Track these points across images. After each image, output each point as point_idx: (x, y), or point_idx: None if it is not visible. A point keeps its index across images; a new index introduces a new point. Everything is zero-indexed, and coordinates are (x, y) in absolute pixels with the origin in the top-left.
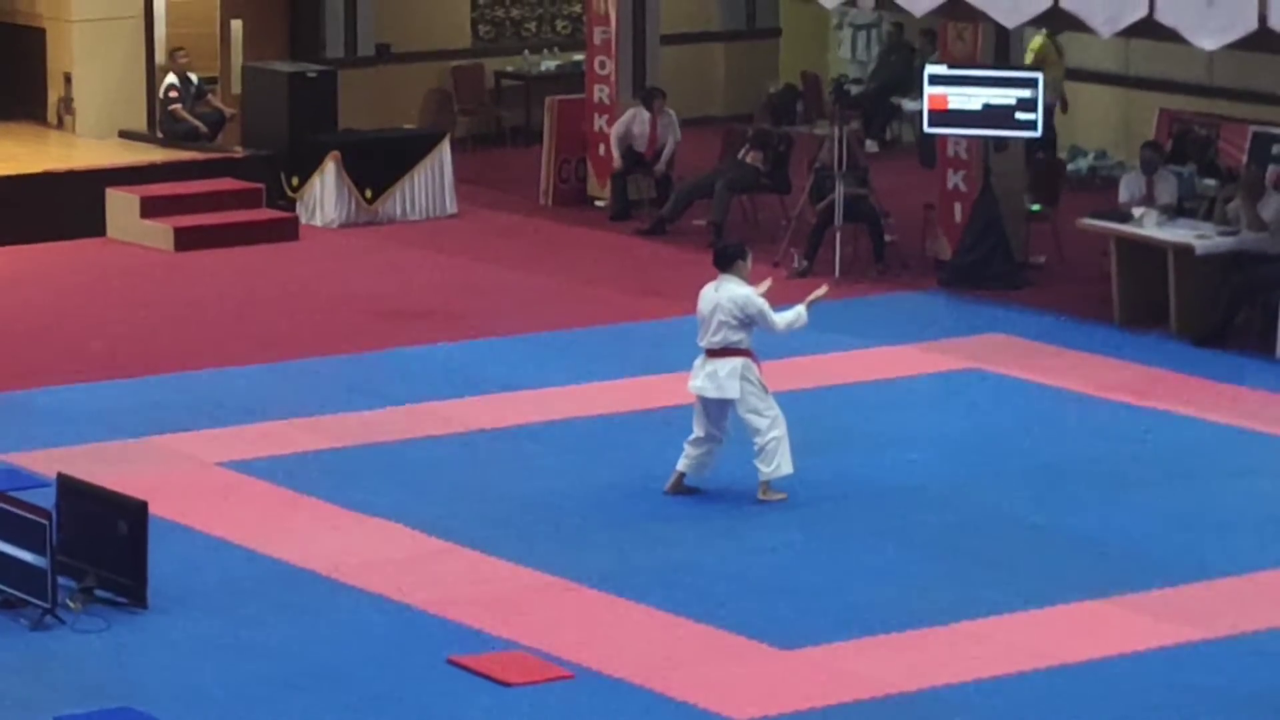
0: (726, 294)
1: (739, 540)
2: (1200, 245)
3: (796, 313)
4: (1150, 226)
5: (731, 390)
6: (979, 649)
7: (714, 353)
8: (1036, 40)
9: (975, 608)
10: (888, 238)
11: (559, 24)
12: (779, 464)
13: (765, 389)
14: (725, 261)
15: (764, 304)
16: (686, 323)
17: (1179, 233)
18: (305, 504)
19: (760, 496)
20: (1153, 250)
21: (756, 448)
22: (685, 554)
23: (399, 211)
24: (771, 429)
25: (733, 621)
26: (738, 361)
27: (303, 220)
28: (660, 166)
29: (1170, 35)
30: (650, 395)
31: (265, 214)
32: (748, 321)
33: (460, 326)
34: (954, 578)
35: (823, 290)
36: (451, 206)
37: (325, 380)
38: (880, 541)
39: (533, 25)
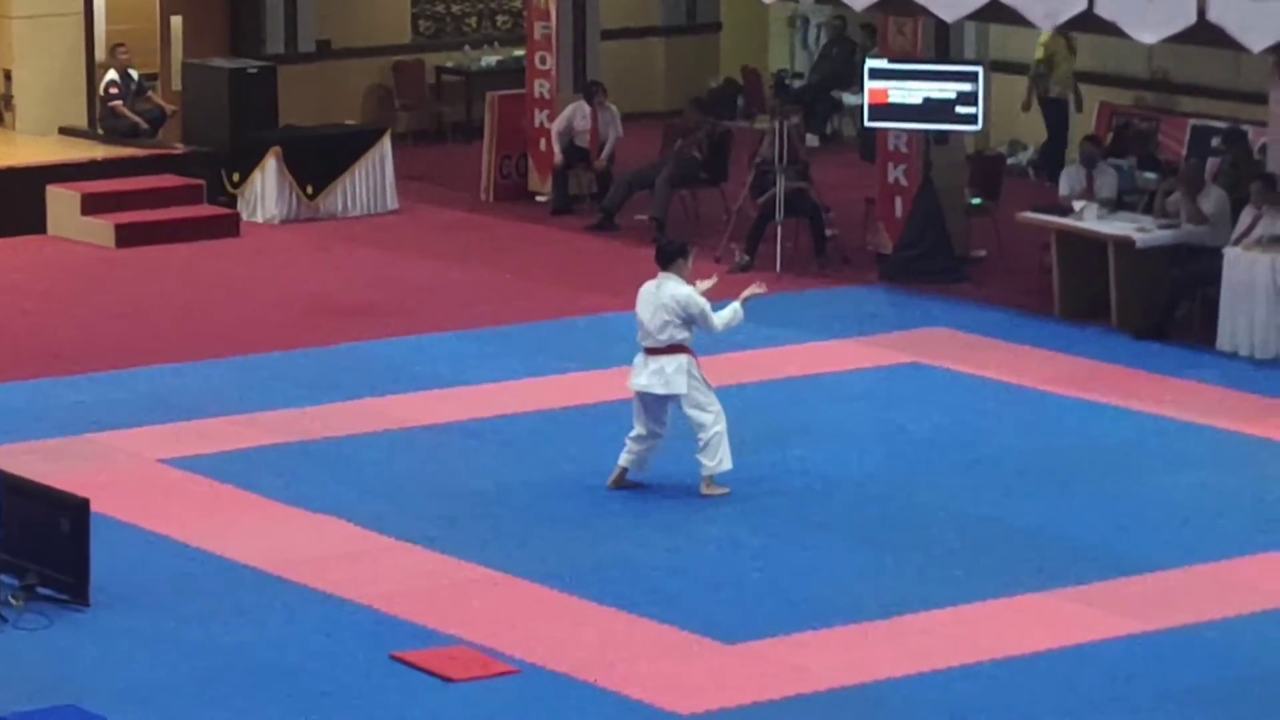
0: (668, 293)
1: (682, 535)
2: (1140, 238)
3: (733, 310)
4: (1090, 220)
5: (679, 386)
6: (922, 642)
7: (657, 351)
8: (1046, 35)
9: (918, 601)
10: (829, 232)
11: (499, 19)
12: (721, 459)
13: (708, 384)
14: (666, 259)
15: (705, 304)
16: (628, 318)
17: (1119, 226)
18: (247, 500)
19: (703, 491)
20: (1093, 244)
21: (700, 443)
22: (629, 549)
23: (340, 207)
24: (715, 424)
25: (677, 616)
26: (683, 358)
27: (244, 216)
28: (601, 161)
29: (1110, 29)
30: (592, 390)
31: (206, 210)
32: (690, 320)
33: (401, 322)
34: (897, 571)
35: (759, 288)
36: (393, 202)
37: (267, 376)
38: (823, 535)
39: (473, 21)
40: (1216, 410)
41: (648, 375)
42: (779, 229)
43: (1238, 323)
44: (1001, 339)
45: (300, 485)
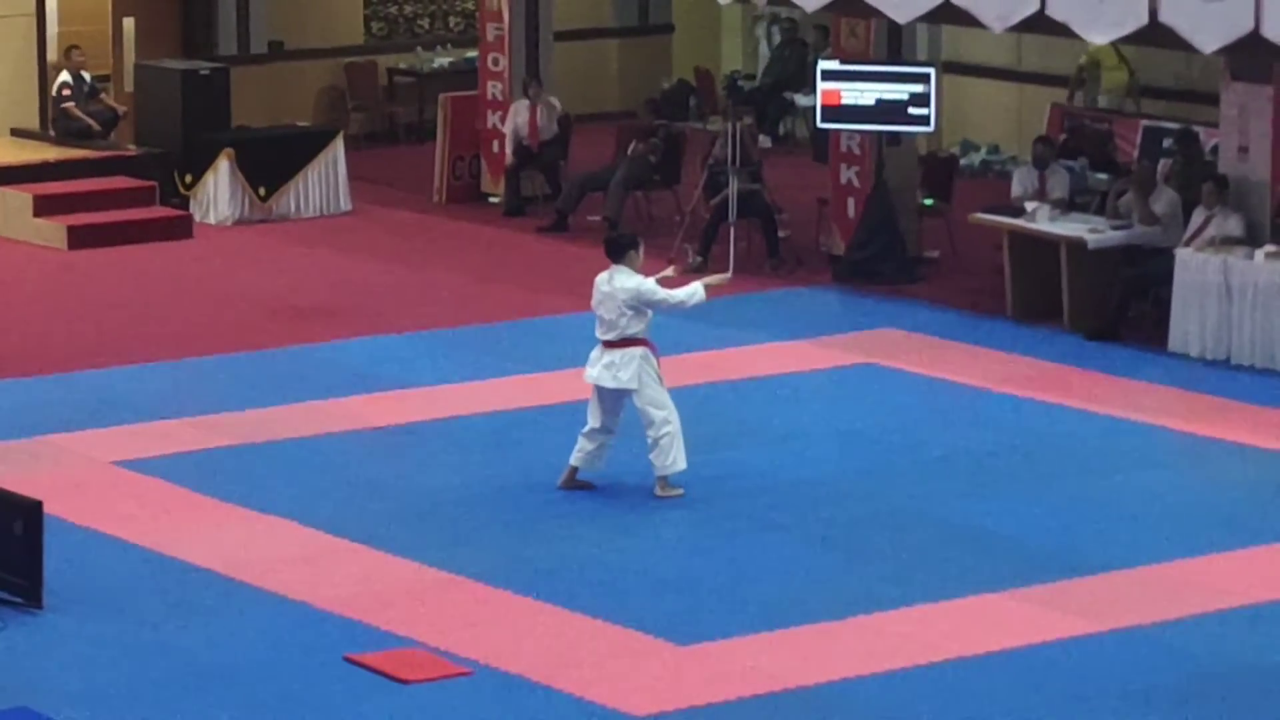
0: (619, 285)
1: (636, 536)
2: (1093, 239)
3: (692, 289)
4: (1043, 221)
5: (630, 381)
6: (876, 643)
7: (612, 344)
8: (1093, 46)
9: (872, 602)
10: (781, 233)
11: (452, 21)
12: (675, 458)
13: (661, 382)
14: (617, 251)
15: (654, 285)
16: (582, 319)
17: (1071, 227)
18: (201, 503)
19: (658, 493)
20: (1045, 244)
21: (650, 441)
22: (582, 550)
23: (293, 209)
24: (666, 424)
25: (630, 617)
26: (636, 351)
27: (196, 218)
28: (540, 146)
29: (1062, 30)
30: (546, 392)
31: (159, 212)
32: (643, 310)
33: (355, 324)
34: (850, 572)
35: (723, 277)
36: (345, 204)
37: (220, 378)
38: (777, 536)
39: (426, 22)
40: (1168, 410)
41: (600, 368)
42: (732, 230)
43: (1189, 323)
44: (954, 339)
45: (254, 487)
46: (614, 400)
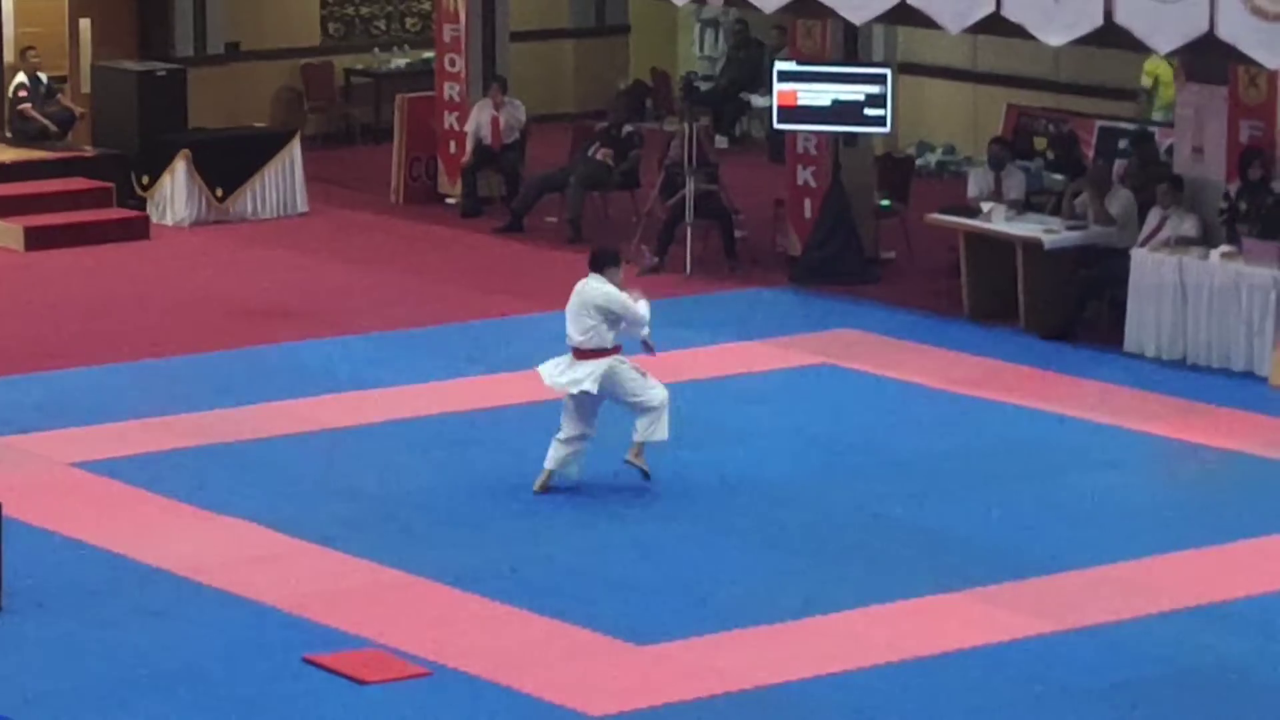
0: (591, 291)
1: (594, 536)
2: (1048, 240)
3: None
4: (999, 221)
5: (589, 384)
6: (834, 643)
7: (582, 353)
8: (1151, 61)
9: (830, 602)
10: (738, 234)
11: (409, 21)
12: (656, 429)
13: (643, 373)
14: (599, 264)
15: (624, 299)
16: (540, 320)
17: (1027, 227)
18: (160, 504)
19: (628, 458)
20: (1001, 245)
21: (640, 408)
22: (540, 550)
23: (250, 210)
24: (656, 394)
25: (588, 618)
26: (603, 362)
27: (153, 219)
28: (501, 148)
29: (1017, 31)
30: (502, 393)
31: (116, 213)
32: (614, 320)
33: (312, 325)
34: (809, 572)
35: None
36: (302, 205)
37: (178, 380)
38: (734, 537)
39: (382, 23)
40: (1123, 411)
41: (568, 376)
42: (689, 231)
43: (1144, 323)
44: (910, 340)
45: (212, 489)
46: (590, 406)
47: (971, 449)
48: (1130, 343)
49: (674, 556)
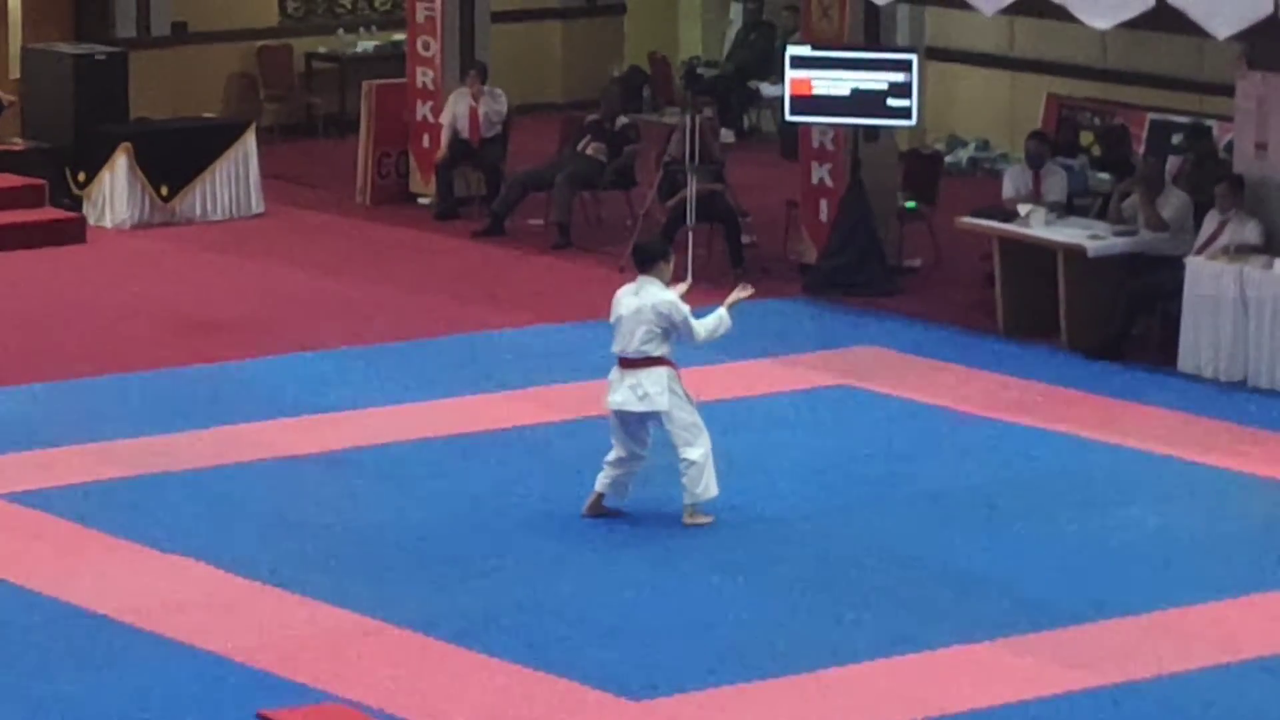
0: (649, 298)
1: (583, 577)
2: (1093, 247)
3: (719, 317)
4: (1037, 226)
5: (660, 402)
6: (849, 698)
7: (633, 363)
8: None
9: (847, 652)
10: (746, 239)
11: (377, 0)
12: (706, 485)
13: (691, 400)
14: (646, 262)
15: (687, 310)
16: (522, 334)
17: (1069, 233)
18: (95, 540)
19: (686, 521)
20: (1040, 252)
21: (683, 465)
22: (520, 593)
23: (199, 211)
24: (699, 448)
25: (573, 669)
26: (663, 371)
27: (90, 221)
28: (480, 143)
29: (1059, 13)
30: (483, 416)
31: (48, 214)
32: (671, 329)
33: (268, 340)
34: (821, 618)
35: (745, 291)
36: (258, 205)
37: (116, 401)
38: (739, 578)
39: (348, 1)
40: (1176, 439)
41: (624, 391)
42: (690, 235)
43: (1200, 341)
44: (938, 359)
45: (154, 523)
46: (639, 424)
47: (1007, 481)
48: (1185, 362)
49: (672, 600)
